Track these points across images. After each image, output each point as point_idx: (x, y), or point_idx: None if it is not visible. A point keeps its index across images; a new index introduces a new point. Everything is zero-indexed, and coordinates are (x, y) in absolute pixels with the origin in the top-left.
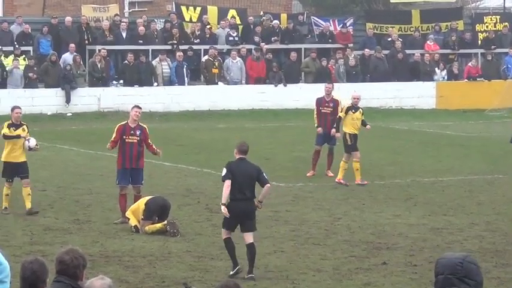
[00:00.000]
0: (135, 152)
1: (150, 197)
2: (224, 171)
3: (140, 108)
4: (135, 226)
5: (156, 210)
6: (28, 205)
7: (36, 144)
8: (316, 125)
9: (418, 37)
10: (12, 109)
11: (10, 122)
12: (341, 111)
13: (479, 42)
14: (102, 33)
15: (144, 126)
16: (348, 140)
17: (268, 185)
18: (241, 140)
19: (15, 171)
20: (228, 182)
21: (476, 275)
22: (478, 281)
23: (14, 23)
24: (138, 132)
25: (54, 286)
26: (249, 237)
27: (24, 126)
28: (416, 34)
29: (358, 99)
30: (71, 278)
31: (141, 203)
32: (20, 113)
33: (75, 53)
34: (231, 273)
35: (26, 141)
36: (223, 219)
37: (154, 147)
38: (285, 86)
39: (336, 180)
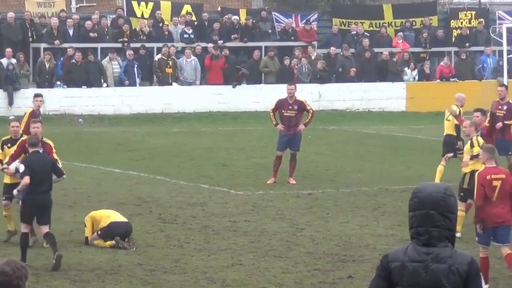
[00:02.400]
0: None
1: (117, 220)
2: (22, 167)
3: (17, 122)
4: (86, 238)
5: (117, 235)
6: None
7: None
8: (274, 123)
9: (385, 34)
10: (9, 123)
11: (8, 137)
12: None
13: (453, 39)
14: (49, 31)
15: (48, 142)
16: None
17: (64, 176)
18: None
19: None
20: (26, 179)
21: (455, 207)
22: (456, 213)
23: None
24: (40, 151)
25: None
26: (45, 229)
27: None
28: (383, 31)
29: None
30: None
31: (105, 217)
32: (18, 126)
33: (19, 52)
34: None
35: (13, 165)
36: (21, 212)
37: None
38: (234, 87)
39: None
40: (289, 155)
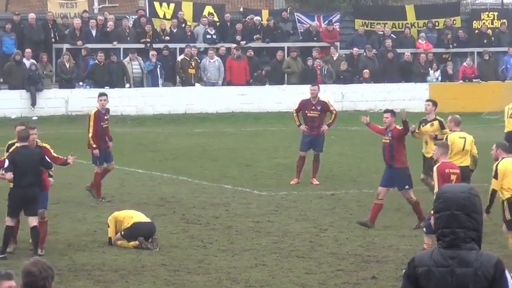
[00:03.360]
0: None
1: (141, 220)
2: (6, 162)
3: (22, 125)
4: (109, 238)
5: (140, 236)
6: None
7: None
8: (297, 123)
9: (409, 35)
10: (16, 126)
11: (15, 140)
12: None
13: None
14: (72, 32)
15: (44, 145)
16: None
17: (51, 168)
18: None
19: None
20: (9, 175)
21: (480, 208)
22: (481, 213)
23: None
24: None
25: None
26: (32, 221)
27: None
28: (406, 31)
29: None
30: None
31: (128, 218)
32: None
33: (42, 52)
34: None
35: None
36: (7, 206)
37: (62, 158)
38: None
39: None
40: (312, 155)
